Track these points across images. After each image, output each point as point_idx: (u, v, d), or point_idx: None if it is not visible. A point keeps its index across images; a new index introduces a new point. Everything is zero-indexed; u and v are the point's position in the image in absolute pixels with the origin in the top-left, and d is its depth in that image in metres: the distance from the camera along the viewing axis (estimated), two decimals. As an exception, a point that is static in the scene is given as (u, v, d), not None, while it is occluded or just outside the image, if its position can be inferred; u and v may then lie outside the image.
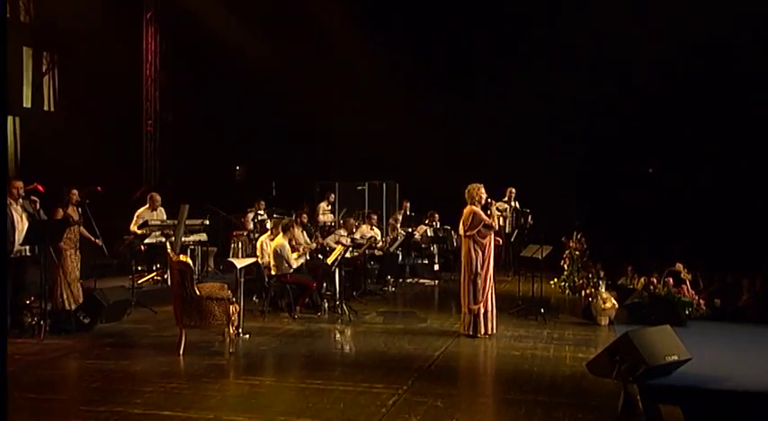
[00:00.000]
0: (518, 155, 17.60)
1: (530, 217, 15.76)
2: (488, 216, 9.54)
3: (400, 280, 14.63)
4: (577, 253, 13.58)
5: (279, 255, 10.69)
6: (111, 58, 16.75)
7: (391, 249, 13.96)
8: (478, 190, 9.59)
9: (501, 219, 15.43)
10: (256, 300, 11.06)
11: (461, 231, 9.65)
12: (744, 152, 16.12)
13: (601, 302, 10.44)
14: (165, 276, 11.84)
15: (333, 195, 16.21)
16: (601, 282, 10.74)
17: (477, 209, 9.52)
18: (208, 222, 12.76)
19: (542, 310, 10.75)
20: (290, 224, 11.03)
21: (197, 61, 18.61)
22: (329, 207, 16.26)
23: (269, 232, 11.46)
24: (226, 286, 8.80)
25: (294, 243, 11.58)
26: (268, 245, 11.05)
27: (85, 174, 14.90)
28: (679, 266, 10.88)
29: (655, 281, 10.69)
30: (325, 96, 18.15)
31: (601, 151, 18.04)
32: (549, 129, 17.63)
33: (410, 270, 15.50)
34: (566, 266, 13.71)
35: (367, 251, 13.90)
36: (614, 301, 10.46)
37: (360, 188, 16.73)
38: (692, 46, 15.66)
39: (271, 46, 17.95)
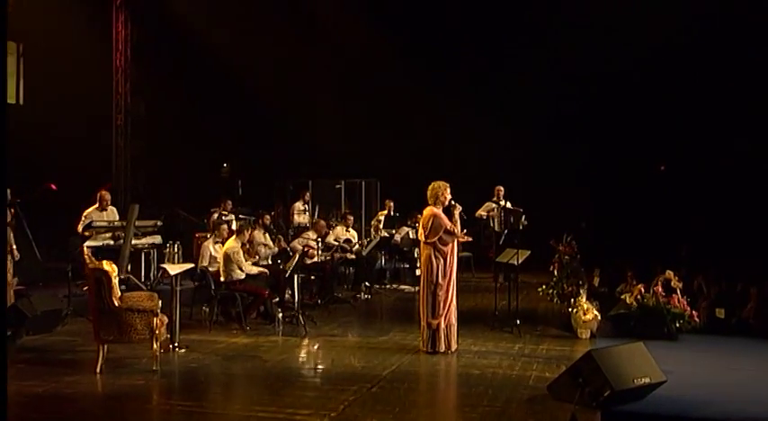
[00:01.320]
0: (510, 150, 17.04)
1: (523, 217, 15.08)
2: (451, 220, 8.87)
3: (377, 286, 13.98)
4: (567, 257, 12.88)
5: (229, 260, 10.10)
6: (79, 47, 16.30)
7: (364, 253, 13.30)
8: (444, 190, 8.96)
9: (491, 219, 15.09)
10: (206, 310, 10.46)
11: (421, 236, 9.01)
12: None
13: (581, 313, 9.79)
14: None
15: (308, 194, 15.61)
16: (581, 291, 10.05)
17: (439, 211, 8.89)
18: (161, 223, 12.18)
19: (518, 322, 10.09)
20: (245, 226, 10.41)
21: (170, 51, 18.12)
22: (304, 207, 15.67)
23: (214, 235, 10.83)
24: (155, 296, 8.19)
25: (252, 247, 11.00)
26: (215, 249, 10.47)
27: (51, 170, 14.44)
28: (669, 274, 10.19)
29: (642, 289, 10.00)
30: (300, 88, 17.60)
31: (606, 146, 17.40)
32: (545, 121, 17.03)
33: (391, 275, 14.90)
34: (555, 272, 13.03)
35: (339, 255, 13.35)
36: (596, 312, 9.79)
37: (337, 186, 16.12)
38: (709, 30, 15.02)
39: (247, 36, 17.41)
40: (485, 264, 15.43)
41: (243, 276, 10.21)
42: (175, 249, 8.58)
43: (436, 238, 8.78)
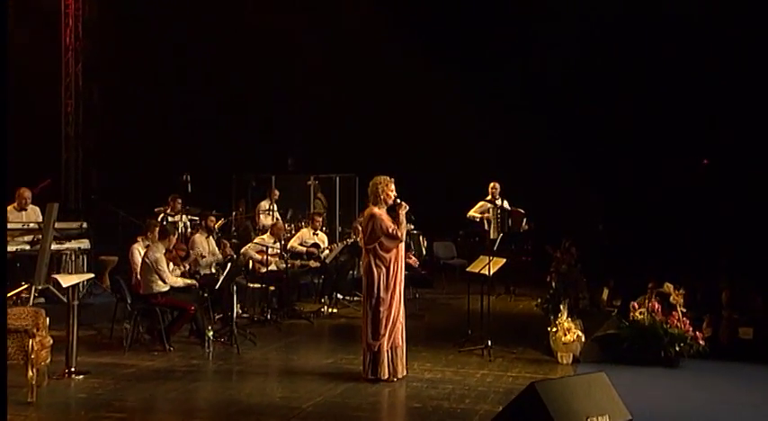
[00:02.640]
0: (508, 140, 16.57)
1: (525, 221, 14.56)
2: (396, 221, 8.36)
3: (348, 298, 13.52)
4: (564, 266, 12.36)
5: (149, 269, 9.68)
6: (22, 23, 16.00)
7: (328, 260, 12.83)
8: (386, 186, 8.49)
9: (485, 222, 14.55)
10: (127, 327, 10.06)
11: (360, 241, 8.57)
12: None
13: (561, 334, 9.24)
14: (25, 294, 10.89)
15: (277, 192, 15.18)
16: (561, 306, 9.51)
17: (381, 212, 8.39)
18: (86, 225, 11.81)
19: (489, 343, 9.57)
20: (169, 229, 10.00)
21: (127, 28, 17.71)
22: (272, 206, 15.23)
23: (144, 238, 10.45)
24: (41, 313, 7.77)
25: (182, 254, 10.59)
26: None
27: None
28: (668, 287, 9.63)
29: (636, 305, 9.45)
30: (265, 69, 17.19)
31: (630, 135, 16.87)
32: (549, 104, 16.49)
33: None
34: (553, 283, 12.51)
35: (301, 262, 12.93)
36: (580, 333, 9.25)
37: (309, 183, 15.70)
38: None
39: (209, 12, 17.09)
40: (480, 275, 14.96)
41: (165, 288, 9.78)
42: (73, 257, 8.17)
43: (376, 243, 8.29)
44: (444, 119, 16.89)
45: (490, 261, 9.92)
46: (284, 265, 12.37)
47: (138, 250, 10.36)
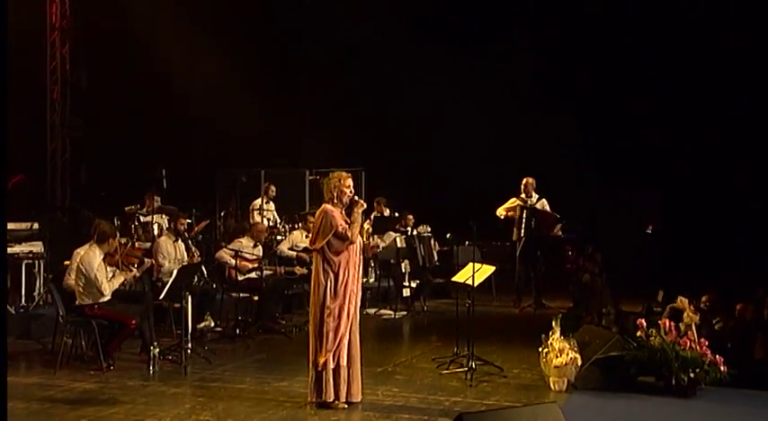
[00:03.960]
0: (544, 135, 16.29)
1: (559, 226, 14.21)
2: (348, 221, 8.08)
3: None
4: (587, 276, 11.94)
5: (84, 276, 9.54)
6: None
7: (305, 270, 12.60)
8: (341, 181, 8.24)
9: (515, 222, 14.21)
10: (68, 342, 9.95)
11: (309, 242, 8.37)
12: None
13: (553, 356, 8.83)
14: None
15: (273, 188, 15.01)
16: (554, 323, 9.10)
17: (333, 209, 8.12)
18: (37, 226, 11.77)
19: (473, 365, 9.26)
20: (109, 231, 9.82)
21: (121, 5, 17.70)
22: (269, 204, 15.08)
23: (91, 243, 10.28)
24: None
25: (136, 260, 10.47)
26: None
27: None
28: (682, 302, 9.13)
29: (643, 323, 8.98)
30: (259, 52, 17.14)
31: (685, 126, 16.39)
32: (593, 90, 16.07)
33: (373, 296, 14.25)
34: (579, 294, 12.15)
35: (284, 269, 12.76)
36: (575, 354, 8.82)
37: (311, 178, 15.53)
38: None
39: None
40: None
41: (104, 298, 9.62)
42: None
43: (323, 243, 8.02)
44: (469, 112, 16.61)
45: (474, 268, 9.51)
46: (270, 272, 12.26)
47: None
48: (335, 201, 8.21)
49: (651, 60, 16.35)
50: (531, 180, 14.05)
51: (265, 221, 14.41)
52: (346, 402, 8.05)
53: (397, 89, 16.75)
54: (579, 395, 8.67)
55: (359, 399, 8.16)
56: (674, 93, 16.33)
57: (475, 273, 9.61)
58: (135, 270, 10.26)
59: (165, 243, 11.56)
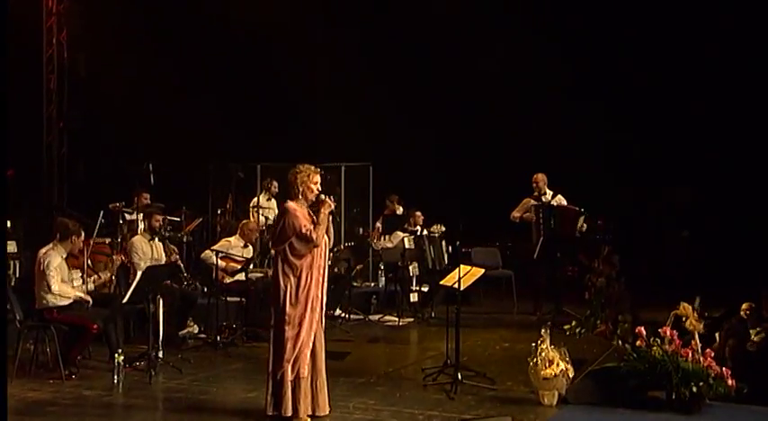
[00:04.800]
0: (567, 127, 16.18)
1: (582, 220, 14.05)
2: (314, 220, 8.00)
3: (344, 315, 13.51)
4: (602, 280, 11.76)
5: (42, 278, 9.60)
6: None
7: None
8: (309, 176, 8.13)
9: (532, 224, 14.08)
10: (31, 348, 10.05)
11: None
12: None
13: (543, 366, 8.70)
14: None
15: (275, 184, 15.02)
16: (543, 332, 8.95)
17: (297, 207, 8.04)
18: (10, 225, 11.89)
19: (459, 377, 9.23)
20: (75, 228, 9.89)
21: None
22: (271, 201, 15.09)
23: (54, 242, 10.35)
24: None
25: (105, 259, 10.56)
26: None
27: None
28: (685, 308, 8.93)
29: (642, 331, 8.82)
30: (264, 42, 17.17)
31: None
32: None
33: (379, 300, 14.25)
34: (593, 300, 11.96)
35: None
36: (566, 365, 8.69)
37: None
38: None
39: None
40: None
41: (65, 301, 9.68)
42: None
43: (285, 245, 7.95)
44: (490, 99, 16.51)
45: (460, 272, 9.43)
46: (261, 274, 12.31)
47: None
48: (300, 197, 8.10)
49: (691, 54, 16.23)
50: (541, 175, 13.93)
51: (263, 220, 14.44)
52: (311, 415, 7.97)
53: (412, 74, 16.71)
54: (571, 410, 8.52)
55: (325, 413, 8.07)
56: (720, 88, 16.17)
57: (462, 277, 9.47)
58: (104, 274, 10.35)
59: (140, 242, 11.54)
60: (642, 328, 8.91)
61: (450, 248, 14.62)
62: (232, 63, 17.57)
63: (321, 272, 8.09)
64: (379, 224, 15.32)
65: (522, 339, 11.95)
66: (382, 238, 14.93)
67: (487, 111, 16.70)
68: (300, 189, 8.10)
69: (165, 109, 17.00)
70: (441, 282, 10.17)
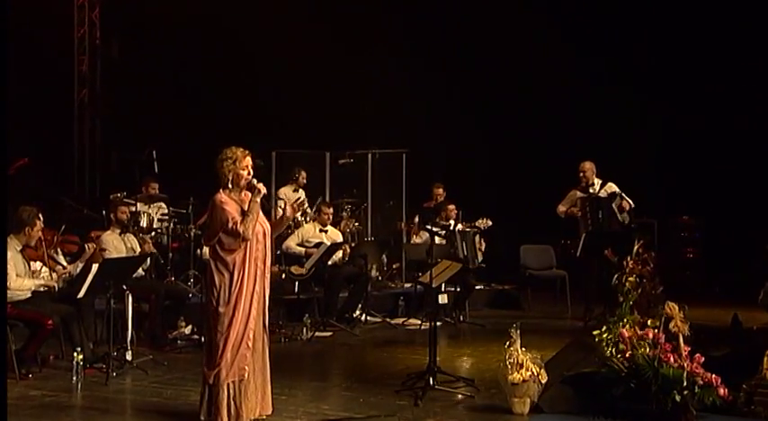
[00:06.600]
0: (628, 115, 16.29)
1: (627, 212, 14.10)
2: (245, 209, 8.24)
3: (364, 317, 13.91)
4: (632, 279, 11.77)
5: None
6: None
7: (307, 266, 12.95)
8: (234, 162, 8.28)
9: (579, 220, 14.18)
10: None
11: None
12: None
13: (513, 370, 8.88)
14: None
15: (303, 173, 15.42)
16: (513, 332, 9.11)
17: (226, 198, 8.23)
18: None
19: (431, 382, 9.54)
20: (29, 218, 10.37)
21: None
22: (298, 193, 15.49)
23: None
24: None
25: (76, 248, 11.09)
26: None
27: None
28: (671, 307, 8.99)
29: (625, 333, 8.94)
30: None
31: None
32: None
33: (406, 303, 14.46)
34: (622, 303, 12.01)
35: (280, 268, 13.19)
36: (537, 370, 8.85)
37: (342, 162, 15.84)
38: None
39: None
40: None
41: (21, 296, 10.20)
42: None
43: (215, 240, 8.25)
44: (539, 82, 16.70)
45: (431, 268, 9.70)
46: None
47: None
48: (231, 186, 8.25)
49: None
50: (588, 164, 13.96)
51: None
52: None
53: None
54: (544, 419, 8.71)
55: (268, 413, 8.36)
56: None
57: (438, 273, 9.71)
58: (68, 266, 10.82)
59: (110, 237, 11.84)
60: (625, 330, 9.02)
61: (484, 245, 14.69)
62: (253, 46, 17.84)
63: (259, 264, 8.26)
64: (415, 221, 15.43)
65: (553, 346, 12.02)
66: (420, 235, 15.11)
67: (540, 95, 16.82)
68: (229, 177, 8.23)
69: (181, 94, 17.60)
70: (420, 278, 10.39)
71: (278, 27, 17.70)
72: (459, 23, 17.36)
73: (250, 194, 8.24)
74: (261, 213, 8.36)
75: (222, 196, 8.23)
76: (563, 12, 16.92)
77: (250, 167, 8.33)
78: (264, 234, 8.35)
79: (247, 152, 8.36)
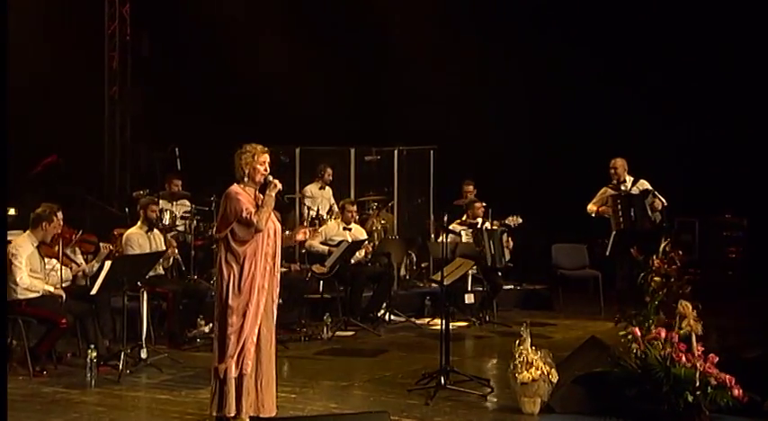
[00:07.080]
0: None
1: (660, 211, 14.15)
2: (261, 203, 8.43)
3: (388, 317, 14.02)
4: (658, 279, 11.82)
5: (10, 270, 10.37)
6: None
7: (327, 264, 13.10)
8: (255, 157, 8.49)
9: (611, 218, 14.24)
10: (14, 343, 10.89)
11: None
12: None
13: (522, 369, 8.99)
14: None
15: (329, 170, 15.56)
16: (523, 331, 9.23)
17: (241, 191, 8.44)
18: (14, 212, 12.76)
19: (442, 380, 9.65)
20: (47, 214, 10.59)
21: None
22: (324, 190, 15.63)
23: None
24: None
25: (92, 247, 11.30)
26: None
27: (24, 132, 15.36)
28: (684, 306, 9.07)
29: (637, 332, 9.03)
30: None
31: None
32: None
33: (433, 303, 14.58)
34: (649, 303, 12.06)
35: (300, 266, 13.36)
36: (548, 368, 8.96)
37: (368, 158, 15.96)
38: None
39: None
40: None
41: (32, 294, 10.39)
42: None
43: (227, 231, 8.40)
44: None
45: (444, 268, 9.82)
46: (285, 269, 12.78)
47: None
48: (247, 180, 8.48)
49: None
50: (620, 161, 14.00)
51: (313, 213, 14.99)
52: (256, 417, 8.38)
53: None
54: (555, 419, 8.81)
55: (272, 414, 8.46)
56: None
57: (450, 272, 9.83)
58: (83, 264, 11.06)
59: (136, 235, 12.02)
60: (637, 329, 9.11)
61: (511, 244, 14.74)
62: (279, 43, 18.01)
63: (269, 260, 8.44)
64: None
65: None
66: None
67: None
68: (246, 171, 8.46)
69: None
70: (431, 277, 10.51)
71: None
72: (490, 17, 17.30)
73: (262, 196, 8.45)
74: (274, 211, 8.60)
75: (237, 188, 8.47)
76: (596, 8, 16.87)
77: (267, 164, 8.53)
78: (276, 232, 8.55)
79: (266, 149, 8.57)
